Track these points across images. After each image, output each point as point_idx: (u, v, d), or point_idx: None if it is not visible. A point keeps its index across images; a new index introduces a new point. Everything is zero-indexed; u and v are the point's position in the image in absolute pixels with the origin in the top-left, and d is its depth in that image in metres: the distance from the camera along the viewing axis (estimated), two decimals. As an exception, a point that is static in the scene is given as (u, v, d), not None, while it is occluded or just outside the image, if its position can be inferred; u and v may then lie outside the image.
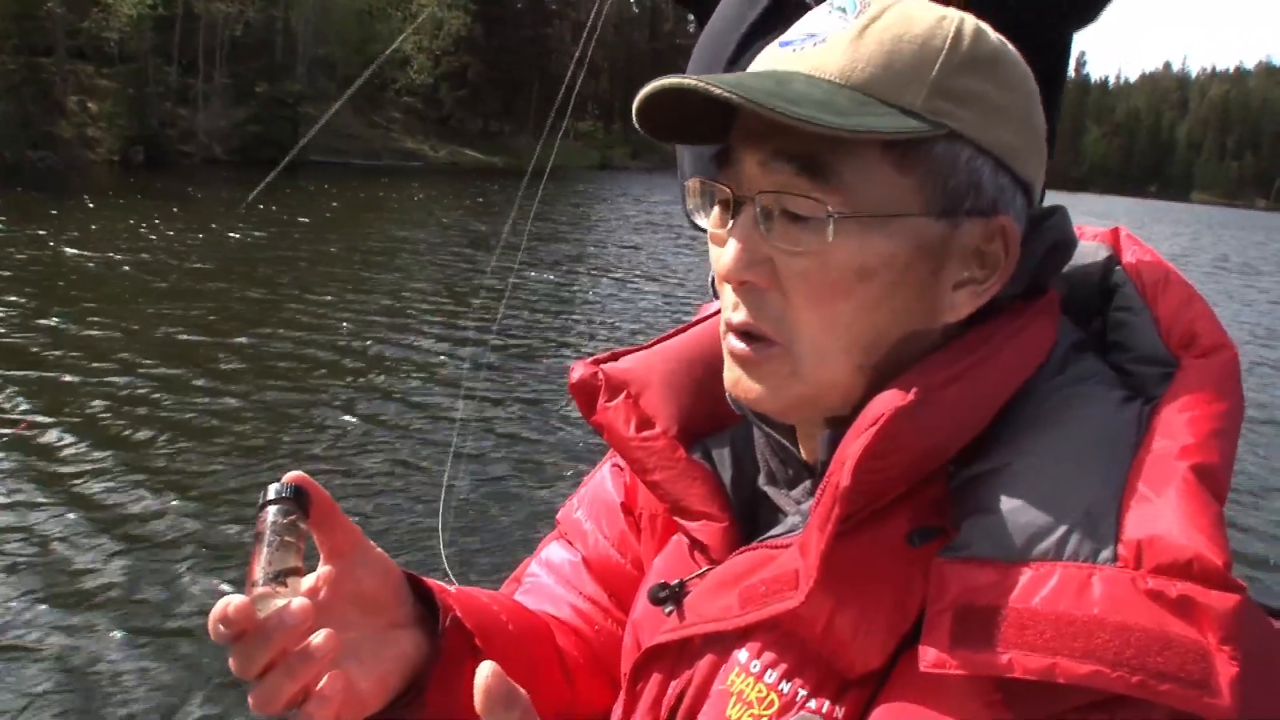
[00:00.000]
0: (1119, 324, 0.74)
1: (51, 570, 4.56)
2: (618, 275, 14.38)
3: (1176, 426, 0.63)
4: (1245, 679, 0.53)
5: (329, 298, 11.06)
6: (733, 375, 0.75)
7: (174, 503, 5.39)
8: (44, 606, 4.25)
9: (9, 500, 5.29)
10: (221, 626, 0.63)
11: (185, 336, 9.10)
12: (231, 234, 16.36)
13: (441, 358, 8.80)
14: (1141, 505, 0.59)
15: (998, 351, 0.69)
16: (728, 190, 0.72)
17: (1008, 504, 0.62)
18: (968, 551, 0.62)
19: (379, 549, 0.80)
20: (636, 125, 0.73)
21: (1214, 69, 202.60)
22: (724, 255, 0.71)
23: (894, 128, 0.66)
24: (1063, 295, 0.78)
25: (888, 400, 0.65)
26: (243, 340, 9.07)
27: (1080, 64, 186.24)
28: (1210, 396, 0.65)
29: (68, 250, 13.52)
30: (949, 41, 0.69)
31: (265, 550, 0.68)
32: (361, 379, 8.05)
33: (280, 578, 0.67)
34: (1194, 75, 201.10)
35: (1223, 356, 0.68)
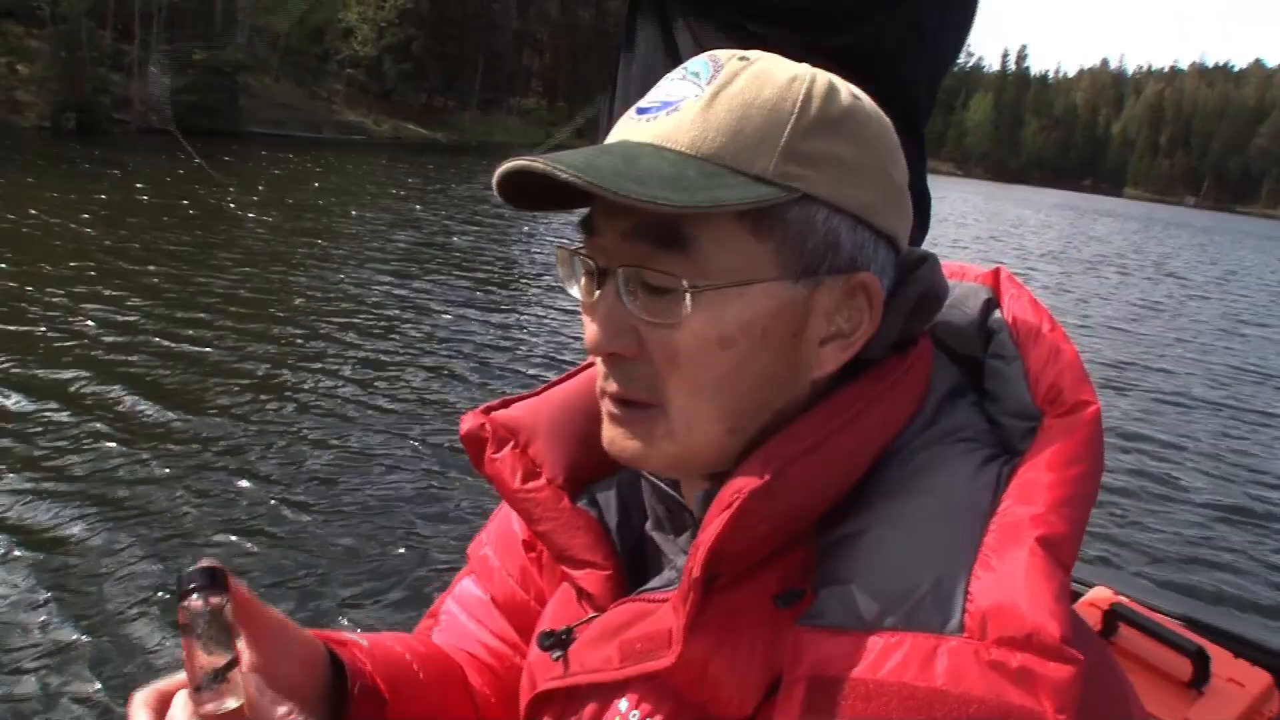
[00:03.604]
0: (993, 372, 0.75)
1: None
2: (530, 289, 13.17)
3: (1030, 492, 0.65)
4: None
5: (257, 283, 10.77)
6: (609, 435, 0.76)
7: (85, 501, 5.27)
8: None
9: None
10: None
11: (108, 314, 8.90)
12: (163, 206, 15.99)
13: (350, 373, 8.23)
14: (988, 575, 0.61)
15: (862, 415, 0.71)
16: (592, 262, 0.74)
17: (863, 572, 0.64)
18: (823, 620, 0.63)
19: (300, 630, 0.81)
20: (500, 198, 0.73)
21: (1150, 67, 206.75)
22: (590, 327, 0.73)
23: (742, 199, 0.66)
24: (945, 341, 0.80)
25: (742, 482, 0.67)
26: (159, 318, 8.88)
27: (1021, 58, 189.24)
28: (1066, 459, 0.67)
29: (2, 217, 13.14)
30: (798, 105, 0.69)
31: (197, 648, 0.67)
32: (272, 377, 7.80)
33: (220, 676, 0.67)
34: (1130, 73, 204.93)
35: (1083, 415, 0.70)
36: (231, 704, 0.66)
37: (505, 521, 1.04)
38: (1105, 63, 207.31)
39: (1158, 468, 7.98)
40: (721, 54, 0.74)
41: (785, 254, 0.69)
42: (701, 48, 1.66)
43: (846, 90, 0.74)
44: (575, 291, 0.78)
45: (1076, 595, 1.93)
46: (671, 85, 0.74)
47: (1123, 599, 1.83)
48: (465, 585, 1.07)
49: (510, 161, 0.68)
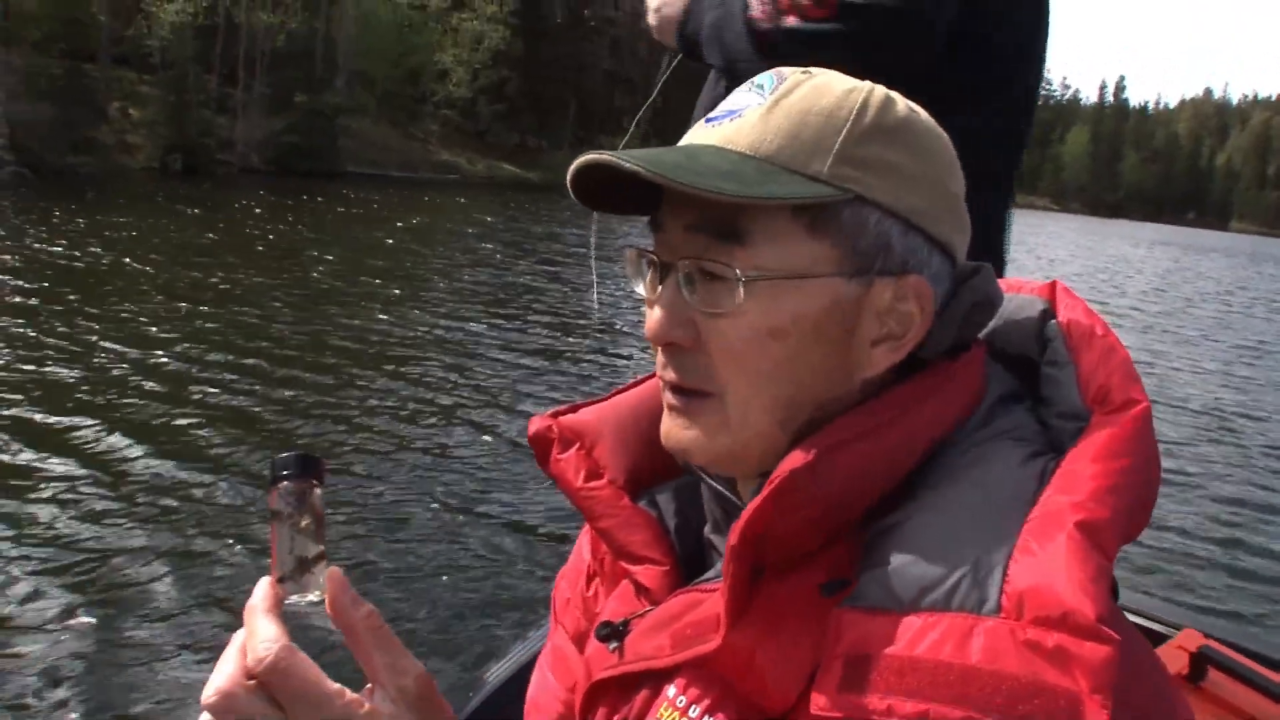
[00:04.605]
0: (1047, 378, 0.78)
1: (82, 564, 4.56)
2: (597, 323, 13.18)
3: (1073, 482, 0.67)
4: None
5: (355, 315, 10.97)
6: (666, 426, 0.80)
7: (200, 509, 5.42)
8: (69, 598, 4.32)
9: (42, 498, 5.32)
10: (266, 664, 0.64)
11: (213, 340, 9.18)
12: (266, 242, 16.44)
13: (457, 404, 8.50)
14: (1027, 559, 0.62)
15: (908, 411, 0.73)
16: (655, 257, 0.78)
17: (903, 556, 0.66)
18: (863, 601, 0.65)
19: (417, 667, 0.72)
20: (573, 197, 0.78)
21: (1255, 96, 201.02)
22: (651, 318, 0.77)
23: (795, 194, 0.71)
24: (1003, 350, 0.83)
25: (787, 462, 0.70)
26: (260, 345, 9.10)
27: (1120, 89, 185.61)
28: (1110, 452, 0.69)
29: (108, 254, 13.66)
30: (854, 113, 0.74)
31: (285, 536, 0.66)
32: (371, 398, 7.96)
33: (305, 568, 0.66)
34: (1235, 102, 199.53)
35: (1131, 412, 0.71)
36: (314, 597, 0.65)
37: (577, 554, 1.06)
38: (1209, 92, 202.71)
39: (1260, 516, 7.66)
40: (786, 69, 0.78)
41: (838, 252, 0.73)
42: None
43: (903, 103, 0.78)
44: (641, 289, 0.82)
45: (1164, 637, 1.84)
46: (738, 96, 0.78)
47: (1212, 642, 1.73)
48: (553, 639, 1.08)
49: (582, 157, 0.73)
